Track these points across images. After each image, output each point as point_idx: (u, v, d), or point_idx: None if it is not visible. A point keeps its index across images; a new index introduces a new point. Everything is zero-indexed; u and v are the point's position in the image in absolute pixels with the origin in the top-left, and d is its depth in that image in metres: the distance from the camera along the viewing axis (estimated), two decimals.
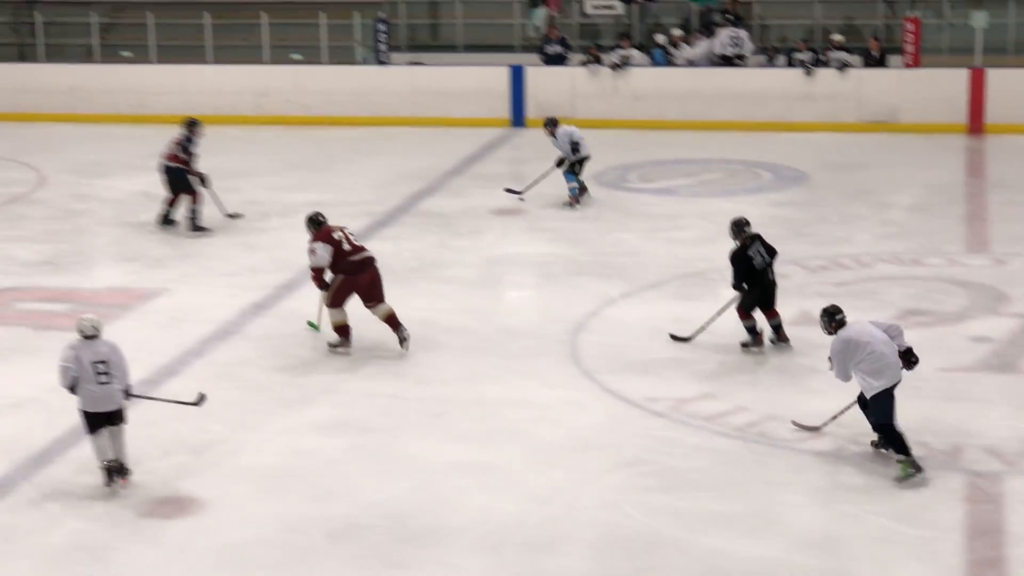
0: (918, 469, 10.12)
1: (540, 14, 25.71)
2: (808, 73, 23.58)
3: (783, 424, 11.09)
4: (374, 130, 24.14)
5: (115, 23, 27.45)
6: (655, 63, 24.46)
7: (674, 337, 13.14)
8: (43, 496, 10.08)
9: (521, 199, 18.60)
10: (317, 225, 13.05)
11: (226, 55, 25.74)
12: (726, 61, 24.21)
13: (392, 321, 13.05)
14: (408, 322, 13.58)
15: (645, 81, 24.20)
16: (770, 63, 24.28)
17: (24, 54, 26.95)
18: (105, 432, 10.11)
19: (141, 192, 19.57)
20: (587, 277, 15.19)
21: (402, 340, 13.01)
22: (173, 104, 24.66)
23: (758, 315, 12.86)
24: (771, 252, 12.91)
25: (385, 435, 11.13)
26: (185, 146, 17.38)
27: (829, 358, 10.48)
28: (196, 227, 17.24)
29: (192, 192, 17.33)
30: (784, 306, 13.36)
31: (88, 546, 9.41)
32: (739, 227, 12.83)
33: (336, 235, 12.91)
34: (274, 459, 10.71)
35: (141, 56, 26.10)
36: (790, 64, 23.97)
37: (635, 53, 24.44)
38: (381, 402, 11.81)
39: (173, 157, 17.36)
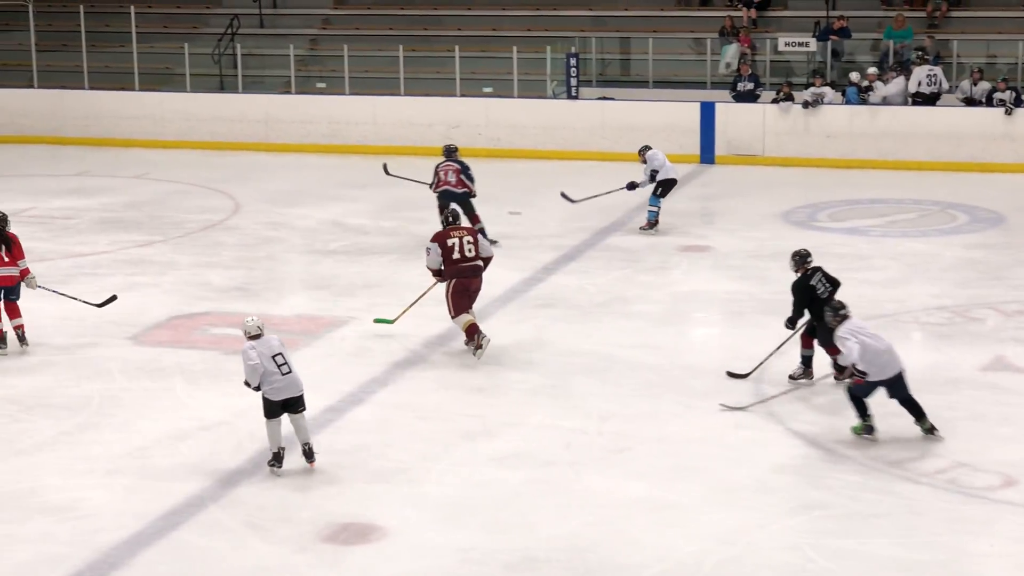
0: (870, 431, 11.42)
1: (732, 50, 25.56)
2: (1008, 112, 23.00)
3: (975, 472, 10.77)
4: (563, 164, 24.24)
5: (312, 55, 28.07)
6: (848, 101, 24.10)
7: (731, 375, 13.00)
8: (230, 518, 10.27)
9: (572, 201, 19.42)
10: (445, 223, 14.02)
11: (418, 87, 26.12)
12: (922, 99, 23.74)
13: (472, 329, 13.49)
14: (592, 356, 13.60)
15: (838, 119, 23.87)
16: (970, 103, 23.72)
17: (224, 84, 27.71)
18: (279, 420, 10.84)
19: (332, 221, 19.96)
20: (773, 316, 14.96)
21: (477, 347, 13.42)
22: (364, 135, 25.15)
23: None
24: (834, 283, 12.71)
25: (565, 469, 11.09)
26: (468, 173, 18.02)
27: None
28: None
29: (475, 216, 17.78)
30: (977, 351, 12.99)
31: (272, 567, 9.54)
32: (801, 258, 12.76)
33: (451, 241, 13.55)
34: (455, 489, 10.75)
35: (335, 87, 26.62)
36: (989, 103, 23.40)
37: (828, 91, 24.12)
38: (562, 436, 11.76)
39: (460, 184, 17.95)
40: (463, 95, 25.85)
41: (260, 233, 19.43)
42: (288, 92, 26.82)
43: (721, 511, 10.27)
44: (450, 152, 18.21)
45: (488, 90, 26.09)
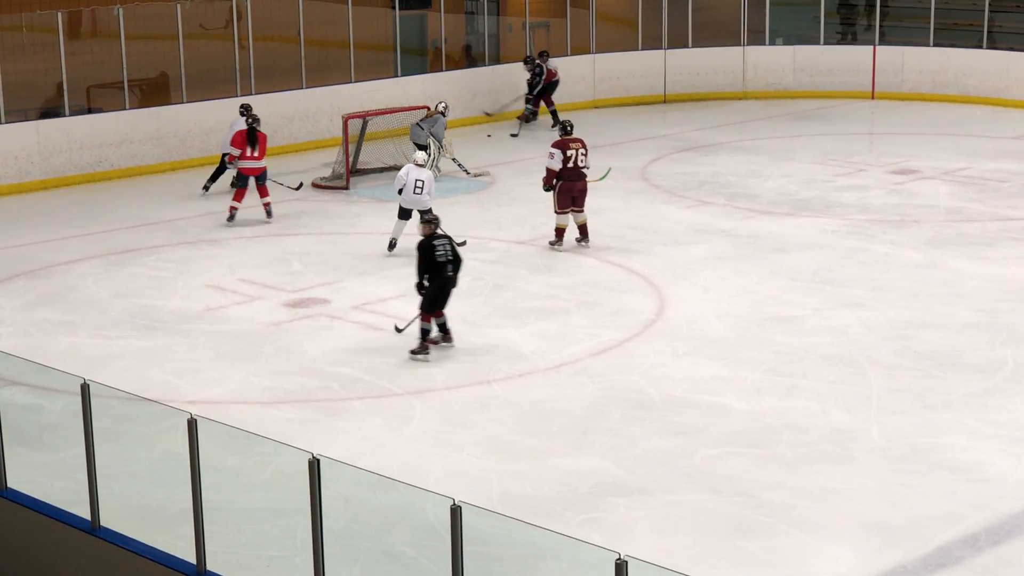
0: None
1: None
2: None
3: None
4: None
5: None
6: None
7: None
8: None
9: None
10: (564, 132, 16.85)
11: None
12: None
13: (583, 229, 16.72)
14: None
15: None
16: None
17: None
18: (405, 223, 16.30)
19: None
20: None
21: (580, 240, 16.66)
22: None
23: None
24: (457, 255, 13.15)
25: None
26: None
27: None
28: None
29: None
30: None
31: None
32: (426, 221, 13.25)
33: (569, 152, 16.54)
34: None
35: None
36: None
37: None
38: None
39: None
40: None
41: None
42: None
43: None
44: None
45: None
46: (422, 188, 16.21)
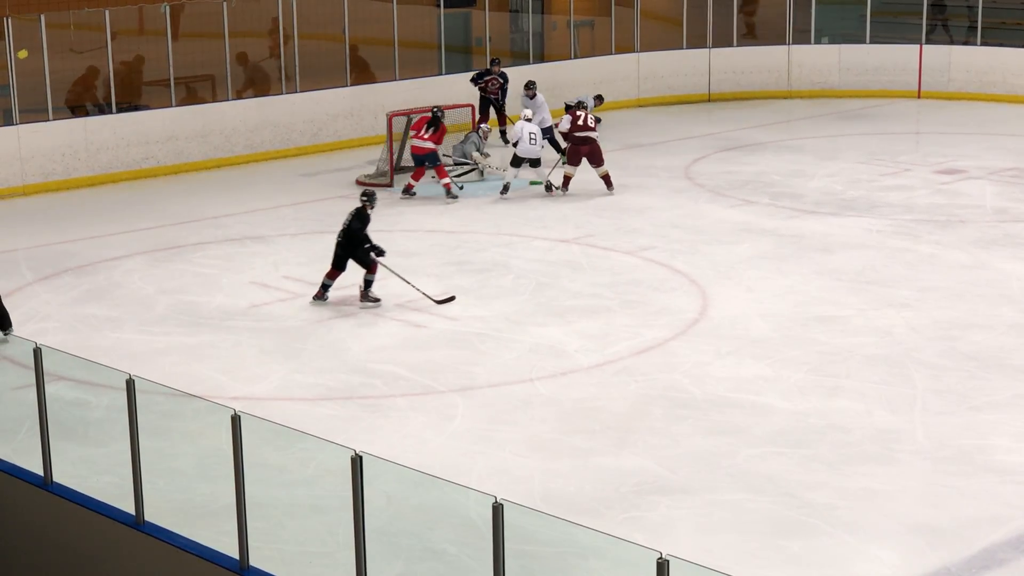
0: None
1: None
2: None
3: None
4: None
5: None
6: None
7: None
8: None
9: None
10: (576, 107, 19.66)
11: None
12: None
13: (607, 179, 19.31)
14: None
15: None
16: None
17: None
18: (514, 169, 19.20)
19: None
20: None
21: (608, 186, 19.27)
22: None
23: None
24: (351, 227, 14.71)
25: None
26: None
27: None
28: None
29: None
30: None
31: None
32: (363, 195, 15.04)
33: (579, 112, 19.11)
34: None
35: None
36: None
37: None
38: None
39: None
40: None
41: None
42: None
43: None
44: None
45: None
46: (535, 139, 19.20)
